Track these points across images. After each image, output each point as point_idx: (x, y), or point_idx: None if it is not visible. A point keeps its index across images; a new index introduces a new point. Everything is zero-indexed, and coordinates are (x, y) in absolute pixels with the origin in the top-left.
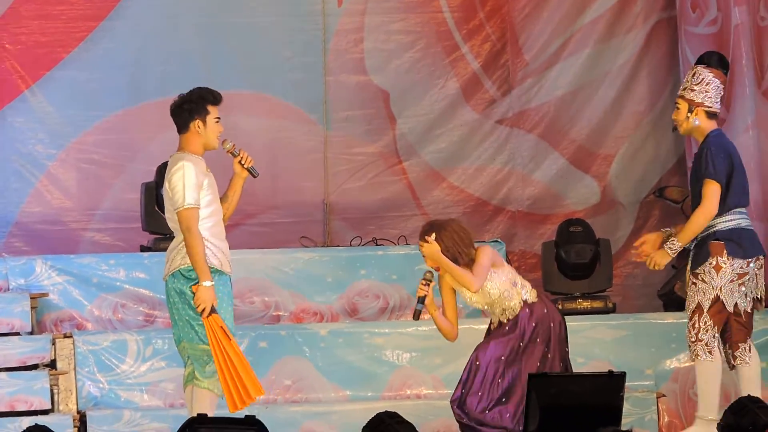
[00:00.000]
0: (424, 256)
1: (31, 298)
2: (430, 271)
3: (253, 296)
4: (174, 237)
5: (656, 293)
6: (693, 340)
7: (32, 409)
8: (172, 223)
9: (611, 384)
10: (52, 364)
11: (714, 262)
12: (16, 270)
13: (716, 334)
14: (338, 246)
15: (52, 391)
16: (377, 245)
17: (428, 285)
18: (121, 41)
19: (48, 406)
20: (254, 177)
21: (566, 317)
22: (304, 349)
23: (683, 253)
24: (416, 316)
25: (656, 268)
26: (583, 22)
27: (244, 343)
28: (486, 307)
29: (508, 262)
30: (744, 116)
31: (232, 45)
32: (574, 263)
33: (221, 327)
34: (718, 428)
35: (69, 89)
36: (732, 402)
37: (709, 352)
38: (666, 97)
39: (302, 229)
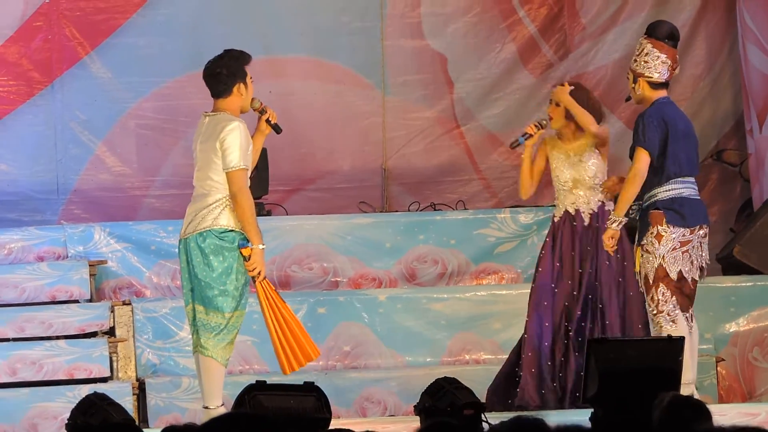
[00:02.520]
0: (551, 101)
1: (89, 265)
2: (545, 119)
3: (311, 262)
4: (204, 195)
5: (715, 257)
6: (654, 312)
7: (91, 377)
8: (207, 181)
9: (670, 348)
10: (110, 332)
11: (655, 232)
12: (74, 237)
13: (676, 303)
14: (396, 211)
15: (110, 358)
16: (435, 210)
17: (539, 128)
18: (179, 7)
19: (107, 374)
20: (278, 133)
21: None
22: (363, 314)
23: (742, 216)
24: (514, 145)
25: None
26: None
27: (303, 309)
28: (568, 184)
29: None
30: None
31: (289, 10)
32: (632, 226)
33: (274, 290)
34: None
35: (127, 56)
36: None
37: (672, 321)
38: (723, 60)
39: (360, 195)
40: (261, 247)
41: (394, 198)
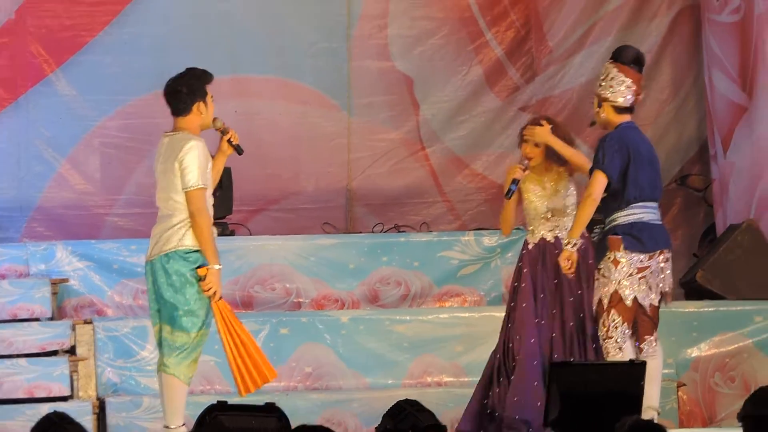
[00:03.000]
0: (526, 141)
1: (51, 283)
2: (526, 161)
3: (274, 282)
4: (168, 216)
5: (678, 282)
6: (604, 337)
7: (51, 395)
8: (170, 203)
9: (632, 372)
10: (71, 351)
11: (612, 257)
12: (37, 255)
13: (627, 330)
14: (360, 232)
15: (71, 377)
16: (399, 232)
17: (525, 170)
18: (146, 26)
19: (67, 393)
20: (239, 154)
21: None
22: (325, 336)
23: (705, 241)
24: (509, 195)
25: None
26: (607, 9)
27: (265, 329)
28: (546, 215)
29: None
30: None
31: (255, 30)
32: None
33: (230, 310)
34: None
35: (93, 73)
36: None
37: (619, 349)
38: (688, 86)
39: (324, 215)
40: (217, 267)
41: (358, 219)
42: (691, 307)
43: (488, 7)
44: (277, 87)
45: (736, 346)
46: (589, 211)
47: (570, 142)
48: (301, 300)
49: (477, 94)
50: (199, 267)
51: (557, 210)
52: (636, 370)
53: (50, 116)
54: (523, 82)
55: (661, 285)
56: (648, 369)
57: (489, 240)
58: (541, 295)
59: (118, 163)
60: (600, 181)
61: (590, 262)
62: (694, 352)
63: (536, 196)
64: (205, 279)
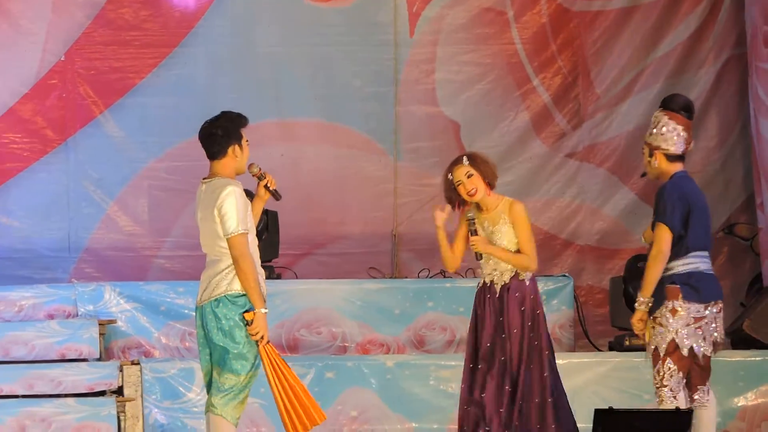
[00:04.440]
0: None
1: (99, 324)
2: (471, 219)
3: (320, 326)
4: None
5: (725, 330)
6: (659, 385)
7: None
8: (216, 248)
9: (678, 421)
10: (119, 391)
11: (670, 306)
12: (85, 296)
13: (682, 379)
14: (406, 277)
15: (118, 418)
16: (445, 277)
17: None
18: (193, 68)
19: None
20: (277, 200)
21: (633, 353)
22: (371, 380)
23: (753, 290)
24: (477, 257)
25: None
26: (655, 56)
27: (310, 374)
28: (485, 257)
29: (575, 297)
30: None
31: (303, 73)
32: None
33: (277, 354)
34: None
35: (141, 115)
36: None
37: (674, 397)
38: (736, 134)
39: (370, 260)
40: (263, 311)
41: (404, 264)
42: (738, 356)
43: (535, 53)
44: (324, 131)
45: None
46: (660, 267)
47: (493, 178)
48: (346, 344)
49: (523, 140)
50: (246, 311)
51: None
52: (682, 418)
53: (99, 158)
54: (569, 129)
55: (714, 335)
56: (701, 419)
57: None
58: (488, 345)
59: (165, 205)
60: (666, 237)
61: (533, 297)
62: (740, 401)
63: (474, 240)
64: (252, 323)
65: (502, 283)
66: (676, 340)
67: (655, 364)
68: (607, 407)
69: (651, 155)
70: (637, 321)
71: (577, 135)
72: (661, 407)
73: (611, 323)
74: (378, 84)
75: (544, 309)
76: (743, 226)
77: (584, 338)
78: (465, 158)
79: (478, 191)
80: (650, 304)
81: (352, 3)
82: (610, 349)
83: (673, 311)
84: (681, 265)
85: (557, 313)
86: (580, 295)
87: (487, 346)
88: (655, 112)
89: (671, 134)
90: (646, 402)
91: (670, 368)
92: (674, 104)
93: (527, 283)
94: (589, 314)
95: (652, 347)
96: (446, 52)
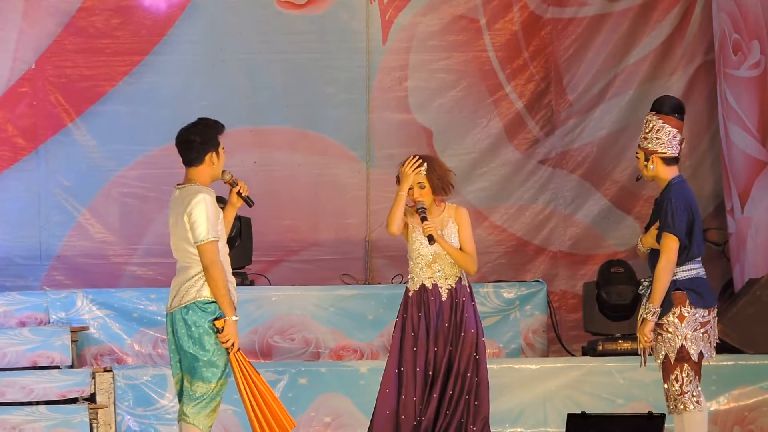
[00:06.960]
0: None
1: (71, 331)
2: (422, 209)
3: (293, 333)
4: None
5: None
6: (678, 393)
7: None
8: (186, 255)
9: (650, 425)
10: (91, 398)
11: (678, 312)
12: (57, 303)
13: (699, 384)
14: (379, 284)
15: (91, 425)
16: None
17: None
18: (165, 76)
19: None
20: (249, 206)
21: (606, 358)
22: (344, 386)
23: (725, 295)
24: (430, 241)
25: (648, 338)
26: (627, 63)
27: (284, 380)
28: (427, 258)
29: (549, 302)
30: None
31: (275, 81)
32: (615, 304)
33: (248, 361)
34: None
35: (112, 123)
36: None
37: (697, 402)
38: (707, 141)
39: (344, 266)
40: (234, 318)
41: (377, 270)
42: (710, 360)
43: (508, 60)
44: (297, 138)
45: (755, 399)
46: (669, 277)
47: (444, 193)
48: (320, 350)
49: (496, 146)
50: (216, 319)
51: (439, 255)
52: (654, 422)
53: (70, 166)
54: (542, 135)
55: (715, 339)
56: (693, 422)
57: (508, 292)
58: (414, 349)
59: (137, 212)
60: (674, 246)
61: (473, 304)
62: (713, 406)
63: (422, 237)
64: (222, 331)
65: (449, 287)
66: (686, 346)
67: (668, 373)
68: (579, 412)
69: (647, 159)
70: (648, 332)
71: (549, 141)
72: (684, 414)
73: (584, 328)
74: (351, 91)
75: (518, 315)
76: (715, 231)
77: (557, 343)
78: (425, 167)
79: (424, 201)
80: (657, 314)
81: (325, 10)
82: (584, 354)
83: (681, 317)
84: (684, 272)
85: (531, 319)
86: (554, 301)
87: (434, 351)
88: (646, 116)
89: (667, 137)
90: (619, 407)
91: (688, 374)
92: (666, 107)
93: (468, 289)
94: (563, 319)
95: (662, 355)
96: (419, 60)
